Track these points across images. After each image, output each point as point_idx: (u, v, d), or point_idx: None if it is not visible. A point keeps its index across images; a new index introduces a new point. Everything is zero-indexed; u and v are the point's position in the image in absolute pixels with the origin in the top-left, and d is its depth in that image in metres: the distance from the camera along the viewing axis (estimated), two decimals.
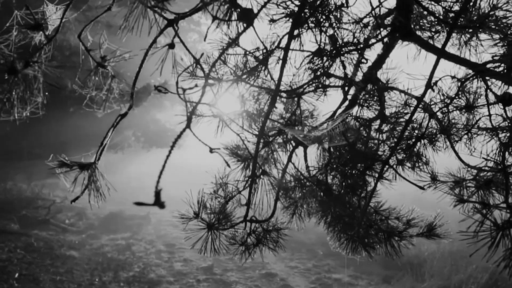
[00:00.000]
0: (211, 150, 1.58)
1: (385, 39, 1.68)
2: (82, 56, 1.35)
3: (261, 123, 1.69)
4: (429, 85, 1.54)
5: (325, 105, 2.14)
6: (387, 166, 1.83)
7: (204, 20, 31.17)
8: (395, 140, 2.28)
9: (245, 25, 1.51)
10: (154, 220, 15.07)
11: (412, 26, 1.83)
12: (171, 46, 1.50)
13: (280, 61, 1.79)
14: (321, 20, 1.72)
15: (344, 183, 2.27)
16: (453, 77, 1.86)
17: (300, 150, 2.66)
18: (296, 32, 1.72)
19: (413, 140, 2.00)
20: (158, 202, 0.67)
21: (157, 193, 0.67)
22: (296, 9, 1.66)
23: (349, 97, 2.21)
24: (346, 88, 1.93)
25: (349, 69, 1.87)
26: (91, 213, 15.09)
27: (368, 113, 2.31)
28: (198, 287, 9.11)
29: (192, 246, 1.99)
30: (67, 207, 14.40)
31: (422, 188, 1.89)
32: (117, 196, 21.15)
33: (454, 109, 1.96)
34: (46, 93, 1.31)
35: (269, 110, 1.63)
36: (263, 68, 1.87)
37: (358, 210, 2.34)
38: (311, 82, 1.92)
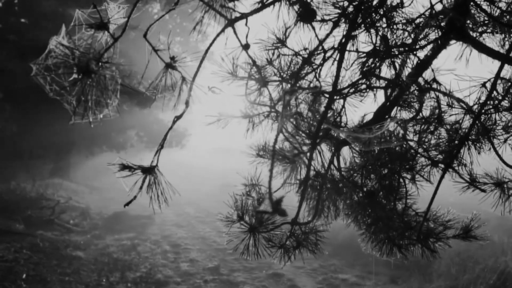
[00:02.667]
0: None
1: (439, 40, 1.67)
2: (150, 56, 1.32)
3: (317, 124, 1.67)
4: (494, 88, 1.53)
5: (362, 106, 2.12)
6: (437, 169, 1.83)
7: (206, 20, 31.16)
8: (433, 141, 2.26)
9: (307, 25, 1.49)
10: (158, 220, 15.04)
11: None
12: (246, 46, 1.48)
13: (336, 62, 1.77)
14: (376, 20, 1.70)
15: (381, 185, 2.26)
16: (502, 79, 1.84)
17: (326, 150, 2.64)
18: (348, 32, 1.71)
19: (457, 142, 1.99)
20: (279, 210, 0.65)
21: (278, 202, 0.65)
22: (350, 9, 1.64)
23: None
24: (390, 90, 1.91)
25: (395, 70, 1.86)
26: (95, 213, 15.06)
27: (405, 114, 2.30)
28: None
29: (235, 249, 1.97)
30: (71, 207, 14.35)
31: (483, 190, 1.88)
32: (119, 196, 21.09)
33: (496, 110, 1.94)
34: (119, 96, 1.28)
35: (325, 111, 1.62)
36: (319, 69, 1.85)
37: (394, 212, 2.32)
38: (358, 83, 1.90)
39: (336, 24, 1.57)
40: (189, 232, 13.90)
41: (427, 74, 1.90)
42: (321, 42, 1.57)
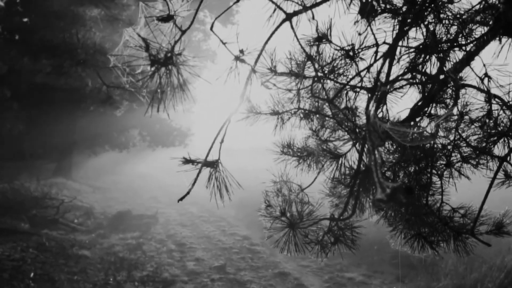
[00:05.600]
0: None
1: (486, 35, 1.67)
2: (218, 47, 1.31)
3: (371, 119, 1.67)
4: None
5: (399, 102, 2.13)
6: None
7: (209, 20, 31.10)
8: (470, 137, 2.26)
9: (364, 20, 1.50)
10: (162, 219, 15.04)
11: None
12: (320, 39, 1.48)
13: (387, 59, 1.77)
14: (426, 16, 1.70)
15: (416, 181, 2.26)
16: None
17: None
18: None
19: (495, 138, 1.99)
20: (396, 199, 0.64)
21: (395, 190, 0.64)
22: (399, 5, 1.65)
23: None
24: (430, 85, 1.92)
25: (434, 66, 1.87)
26: (99, 212, 15.05)
27: (439, 111, 2.31)
28: (213, 287, 9.08)
29: (276, 245, 1.97)
30: (75, 207, 14.33)
31: None
32: (121, 195, 20.98)
33: None
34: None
35: (377, 107, 1.62)
36: (369, 66, 1.85)
37: (430, 207, 2.33)
38: (399, 79, 1.91)
39: (405, 22, 1.56)
40: (194, 231, 13.89)
41: (479, 69, 1.91)
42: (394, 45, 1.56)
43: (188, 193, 1.42)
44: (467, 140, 2.08)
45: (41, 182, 15.42)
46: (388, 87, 1.91)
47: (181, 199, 1.44)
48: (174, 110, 1.15)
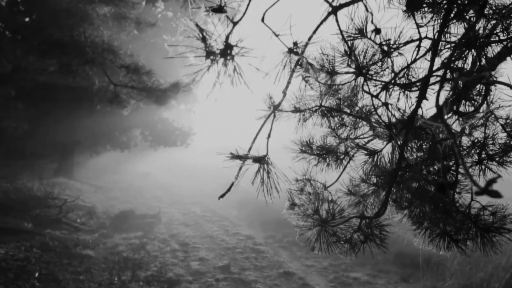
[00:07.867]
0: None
1: None
2: (271, 38, 1.29)
3: (411, 113, 1.65)
4: None
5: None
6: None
7: (210, 19, 31.01)
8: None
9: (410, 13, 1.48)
10: (165, 219, 15.01)
11: None
12: (378, 31, 1.45)
13: (429, 54, 1.75)
14: (467, 10, 1.69)
15: (445, 178, 2.24)
16: None
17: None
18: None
19: None
20: (491, 191, 0.62)
21: (490, 182, 0.62)
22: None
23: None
24: (461, 82, 1.90)
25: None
26: (101, 212, 15.00)
27: (467, 108, 2.28)
28: (218, 286, 9.05)
29: (307, 244, 1.94)
30: (77, 206, 14.27)
31: None
32: (123, 195, 20.84)
33: None
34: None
35: (419, 102, 1.60)
36: (413, 62, 1.83)
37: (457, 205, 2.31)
38: (432, 75, 1.89)
39: (448, 16, 1.54)
40: (197, 231, 13.86)
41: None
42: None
43: (229, 189, 1.40)
44: (510, 133, 2.05)
45: (44, 182, 15.36)
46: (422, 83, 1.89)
47: (222, 196, 1.41)
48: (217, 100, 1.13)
